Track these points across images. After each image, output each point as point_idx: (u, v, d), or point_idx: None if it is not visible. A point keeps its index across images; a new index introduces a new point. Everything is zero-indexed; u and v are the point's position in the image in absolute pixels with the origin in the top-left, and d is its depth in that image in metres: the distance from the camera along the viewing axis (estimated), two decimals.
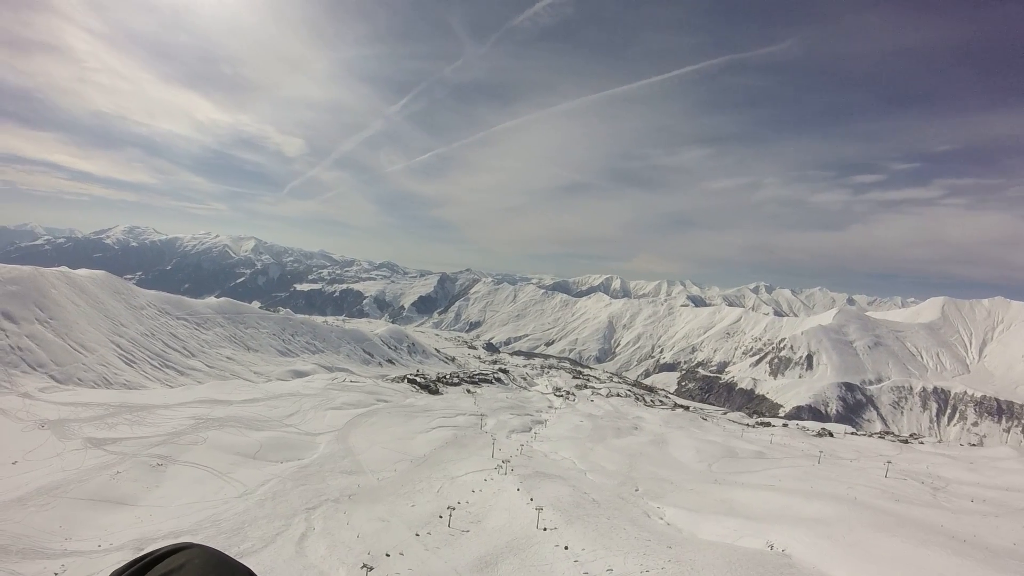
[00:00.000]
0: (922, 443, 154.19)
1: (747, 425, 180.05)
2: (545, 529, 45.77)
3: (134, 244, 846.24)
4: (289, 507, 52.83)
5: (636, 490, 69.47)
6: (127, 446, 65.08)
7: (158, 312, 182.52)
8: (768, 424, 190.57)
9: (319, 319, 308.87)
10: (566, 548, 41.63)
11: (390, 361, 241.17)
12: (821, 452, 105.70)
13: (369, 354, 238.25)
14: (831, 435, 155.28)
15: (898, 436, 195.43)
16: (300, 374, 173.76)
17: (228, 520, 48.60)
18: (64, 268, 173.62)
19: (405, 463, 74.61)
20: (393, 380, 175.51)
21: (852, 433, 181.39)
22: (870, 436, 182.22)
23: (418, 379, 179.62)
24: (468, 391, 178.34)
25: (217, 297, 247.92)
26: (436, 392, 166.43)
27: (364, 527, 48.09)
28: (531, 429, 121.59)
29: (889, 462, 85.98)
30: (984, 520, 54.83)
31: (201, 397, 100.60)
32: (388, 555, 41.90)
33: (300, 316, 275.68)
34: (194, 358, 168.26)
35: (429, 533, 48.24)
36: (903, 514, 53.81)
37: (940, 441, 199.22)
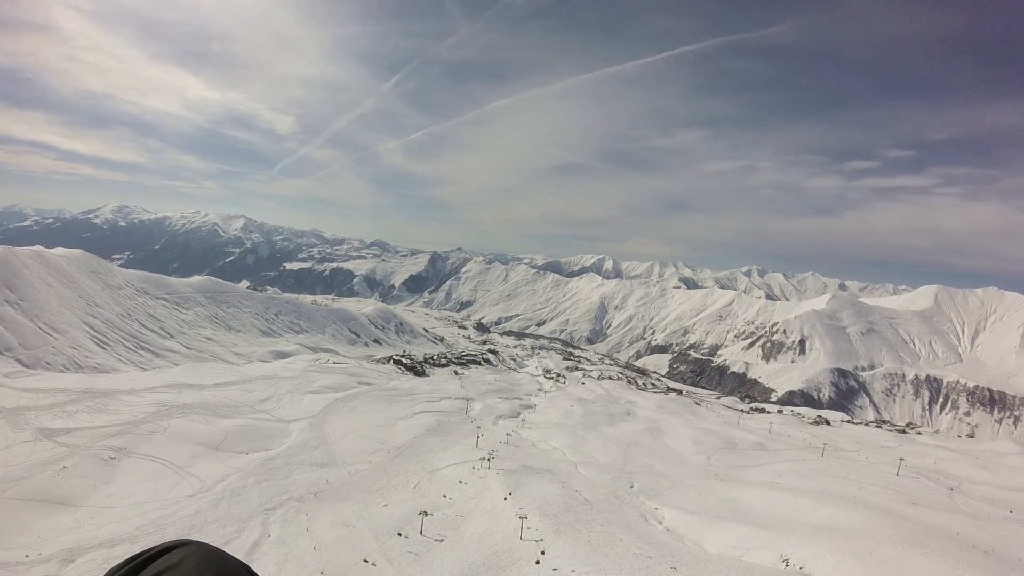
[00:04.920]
0: (920, 434, 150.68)
1: (742, 411, 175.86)
2: (537, 552, 39.33)
3: (123, 224, 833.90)
4: (246, 508, 47.42)
5: (631, 487, 64.38)
6: (81, 437, 59.09)
7: (136, 292, 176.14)
8: (763, 410, 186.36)
9: (307, 298, 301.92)
10: (554, 569, 36.13)
11: (377, 341, 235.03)
12: (825, 444, 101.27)
13: (355, 334, 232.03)
14: (828, 423, 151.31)
15: (895, 425, 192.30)
16: (283, 355, 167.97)
17: (175, 524, 43.20)
18: (39, 247, 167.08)
19: (382, 453, 69.43)
20: (378, 361, 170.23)
21: (848, 421, 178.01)
22: (866, 425, 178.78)
23: (404, 360, 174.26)
24: (456, 373, 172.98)
25: (204, 276, 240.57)
26: (422, 374, 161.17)
27: (325, 535, 42.58)
28: (519, 414, 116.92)
29: (901, 459, 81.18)
30: (1010, 529, 49.89)
31: (171, 381, 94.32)
32: None
33: (286, 295, 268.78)
34: (172, 339, 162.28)
35: (405, 537, 43.00)
36: (927, 523, 48.68)
37: (937, 432, 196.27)
